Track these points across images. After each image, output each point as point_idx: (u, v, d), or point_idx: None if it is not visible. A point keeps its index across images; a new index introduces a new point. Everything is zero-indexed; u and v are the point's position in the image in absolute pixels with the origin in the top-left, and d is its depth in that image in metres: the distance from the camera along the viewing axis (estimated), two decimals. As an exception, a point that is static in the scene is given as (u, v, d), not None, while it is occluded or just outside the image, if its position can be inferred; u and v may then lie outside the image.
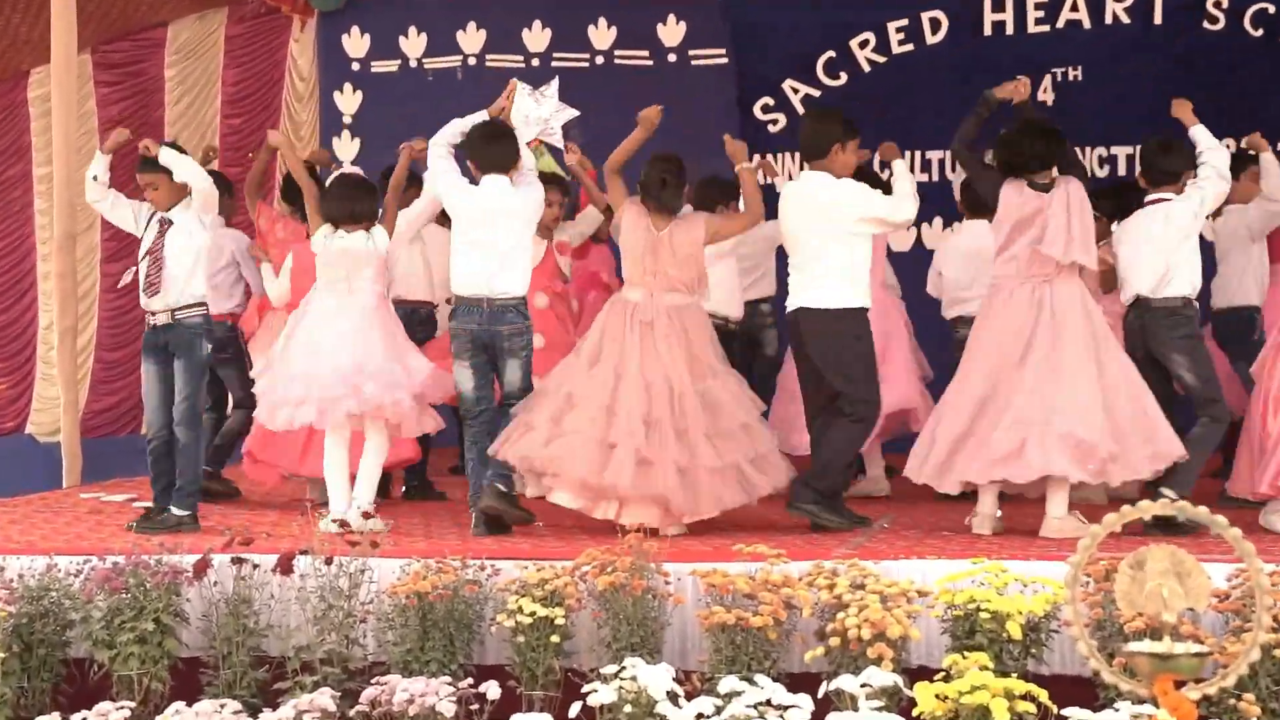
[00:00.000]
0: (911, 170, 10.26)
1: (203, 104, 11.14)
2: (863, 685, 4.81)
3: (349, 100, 11.02)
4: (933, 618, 5.22)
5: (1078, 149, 10.05)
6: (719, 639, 5.19)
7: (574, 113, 8.59)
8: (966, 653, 4.95)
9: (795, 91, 10.46)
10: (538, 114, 8.49)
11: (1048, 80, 10.00)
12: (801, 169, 10.13)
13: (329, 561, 5.52)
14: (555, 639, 5.28)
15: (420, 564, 5.56)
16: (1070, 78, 10.04)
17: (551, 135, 8.51)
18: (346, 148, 10.96)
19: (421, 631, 5.39)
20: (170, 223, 6.97)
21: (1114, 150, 10.03)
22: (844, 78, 10.37)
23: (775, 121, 10.49)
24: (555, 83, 8.56)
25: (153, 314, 6.90)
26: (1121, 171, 9.88)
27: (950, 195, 9.00)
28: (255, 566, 5.60)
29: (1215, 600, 5.04)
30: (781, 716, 4.75)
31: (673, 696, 4.91)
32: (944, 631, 5.19)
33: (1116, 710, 4.57)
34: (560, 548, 6.09)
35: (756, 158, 8.04)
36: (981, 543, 6.16)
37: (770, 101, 10.51)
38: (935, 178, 10.15)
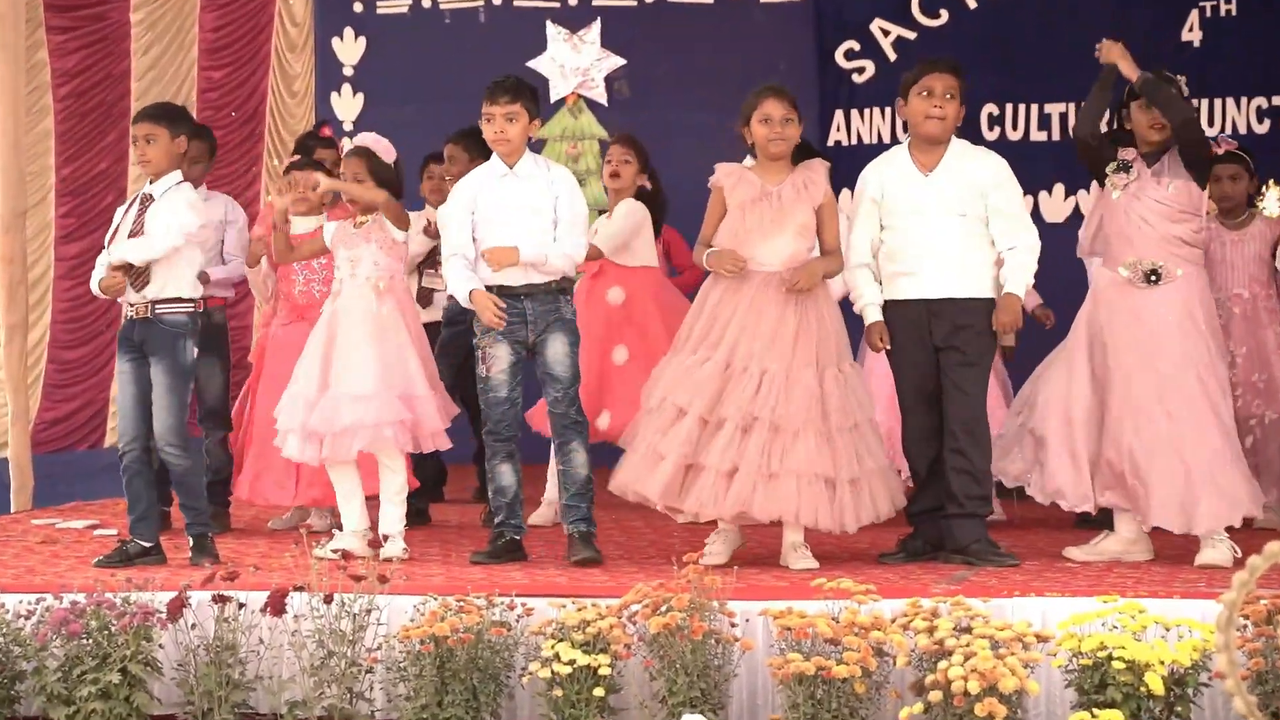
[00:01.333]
0: (1029, 127, 10.25)
1: (176, 54, 11.24)
2: (970, 749, 4.81)
3: (350, 49, 11.10)
4: (1054, 668, 5.21)
5: (1230, 99, 10.17)
6: (795, 692, 5.20)
7: (619, 62, 8.63)
8: (1096, 710, 4.94)
9: (885, 34, 10.45)
10: (576, 64, 8.52)
11: (1194, 16, 9.94)
12: (896, 131, 10.27)
13: (329, 600, 5.56)
14: (599, 692, 5.30)
15: (437, 602, 5.59)
16: (1223, 12, 9.97)
17: (592, 89, 8.55)
18: (348, 105, 11.04)
19: (439, 683, 5.42)
20: (151, 199, 6.90)
21: (1276, 101, 9.96)
22: (944, 16, 10.34)
23: (861, 70, 10.48)
24: (596, 26, 8.60)
25: (129, 304, 6.86)
26: (1286, 126, 9.82)
27: (1066, 160, 8.93)
28: (241, 606, 5.64)
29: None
30: (872, 786, 4.76)
31: (740, 762, 4.92)
32: (1068, 685, 5.18)
33: (1279, 780, 4.55)
34: (605, 583, 6.11)
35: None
36: (1113, 576, 6.15)
37: (855, 46, 10.50)
38: (1056, 136, 10.10)
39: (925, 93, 6.61)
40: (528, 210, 6.78)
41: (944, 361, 6.61)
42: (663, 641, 5.34)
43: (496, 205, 6.81)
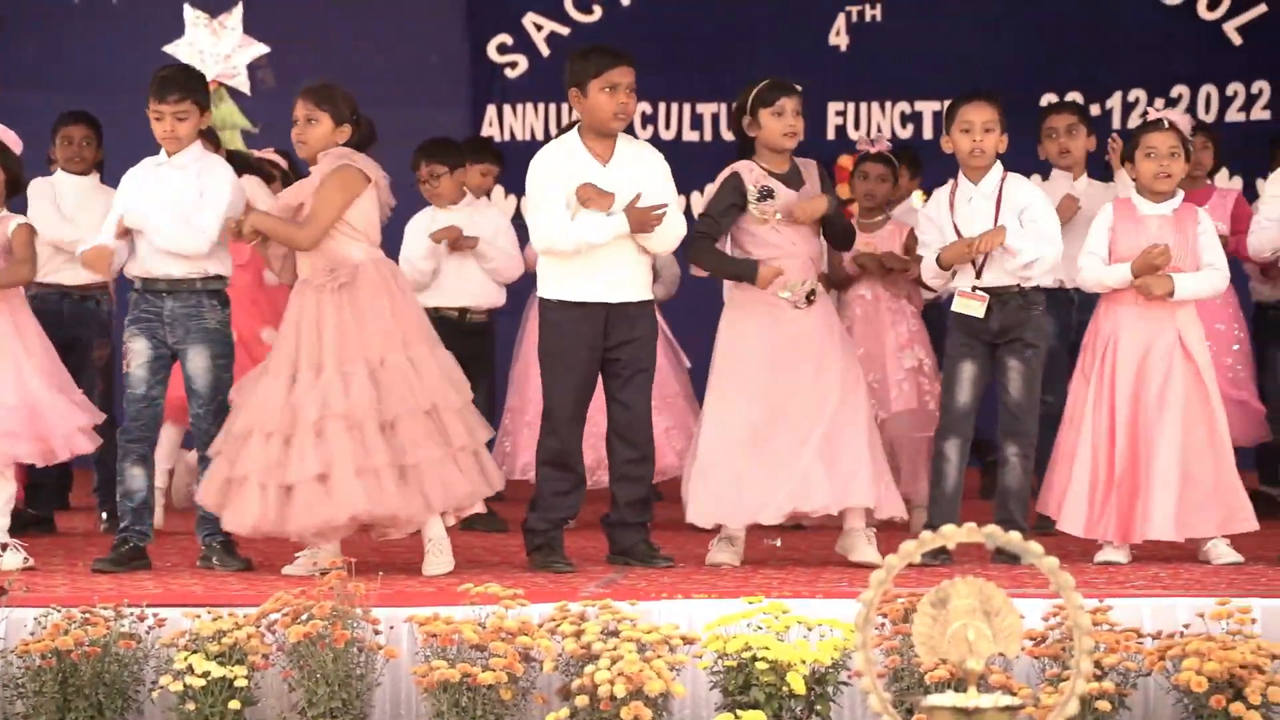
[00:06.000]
0: (681, 127, 10.43)
1: None
2: (615, 753, 4.88)
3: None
4: (700, 669, 5.32)
5: (876, 103, 10.52)
6: (440, 700, 5.20)
7: (263, 49, 8.51)
8: (740, 711, 5.06)
9: (539, 28, 10.52)
10: (216, 50, 8.38)
11: (841, 21, 10.25)
12: (549, 126, 10.35)
13: (-59, 614, 5.37)
14: (235, 705, 5.23)
15: (61, 614, 5.46)
16: (868, 18, 10.31)
17: (234, 77, 8.42)
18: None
19: (61, 700, 5.29)
20: None
21: (919, 106, 10.33)
22: (598, 12, 10.46)
23: (514, 65, 10.54)
24: (239, 10, 8.47)
25: None
26: (927, 133, 10.17)
27: (717, 160, 9.05)
28: None
29: (1029, 644, 5.25)
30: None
31: (382, 773, 4.91)
32: (713, 686, 5.29)
33: (915, 775, 4.72)
34: (242, 591, 6.04)
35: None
36: (759, 578, 6.30)
37: (508, 40, 10.55)
38: (708, 137, 10.31)
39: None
40: None
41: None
42: (303, 651, 5.29)
43: None
